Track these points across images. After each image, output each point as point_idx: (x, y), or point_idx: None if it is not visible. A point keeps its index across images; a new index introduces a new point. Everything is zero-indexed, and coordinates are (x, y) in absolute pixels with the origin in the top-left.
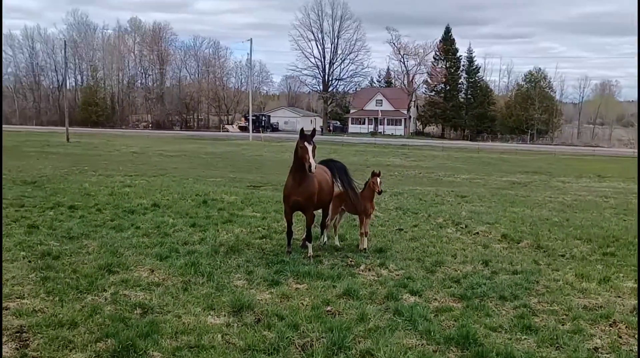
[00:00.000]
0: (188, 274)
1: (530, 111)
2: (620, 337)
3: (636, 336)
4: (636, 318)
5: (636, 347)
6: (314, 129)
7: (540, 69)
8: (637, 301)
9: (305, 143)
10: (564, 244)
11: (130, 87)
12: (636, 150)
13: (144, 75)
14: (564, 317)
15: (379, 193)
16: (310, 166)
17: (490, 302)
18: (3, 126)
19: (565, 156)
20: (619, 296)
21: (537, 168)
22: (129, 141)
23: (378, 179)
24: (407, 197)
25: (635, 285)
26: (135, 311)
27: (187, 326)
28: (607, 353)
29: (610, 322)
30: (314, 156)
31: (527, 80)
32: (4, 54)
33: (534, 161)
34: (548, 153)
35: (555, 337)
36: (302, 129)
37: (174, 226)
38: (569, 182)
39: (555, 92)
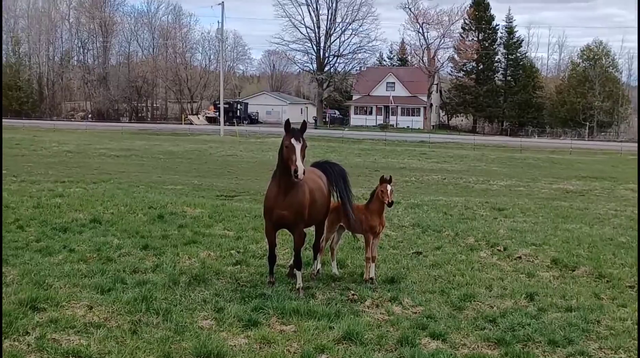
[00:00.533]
0: (138, 312)
1: (589, 98)
2: None
3: None
4: None
5: None
6: (305, 122)
7: (601, 42)
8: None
9: (292, 140)
10: (633, 272)
11: (63, 66)
12: None
13: (81, 50)
14: None
15: (390, 204)
16: (296, 171)
17: (537, 348)
18: None
19: (635, 156)
20: None
21: (598, 171)
22: (61, 136)
23: (389, 187)
24: (428, 210)
25: None
26: None
27: None
28: None
29: None
30: (302, 158)
31: (585, 57)
32: None
33: (593, 163)
34: (612, 151)
35: None
36: (287, 122)
37: (119, 248)
38: None
39: (621, 73)
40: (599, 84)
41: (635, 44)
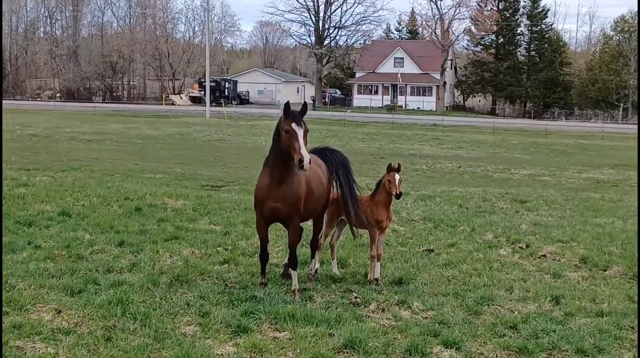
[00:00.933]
0: (112, 316)
1: (623, 75)
2: None
3: None
4: None
5: None
6: (305, 104)
7: (638, 13)
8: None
9: (294, 125)
10: None
11: (28, 38)
12: None
13: (48, 20)
14: None
15: (398, 196)
16: (301, 161)
17: None
18: None
19: None
20: None
21: (633, 159)
22: (26, 118)
23: (397, 177)
24: (440, 202)
25: None
26: None
27: None
28: None
29: None
30: (305, 145)
31: (619, 30)
32: None
33: (628, 149)
34: None
35: None
36: (287, 104)
37: (91, 245)
38: None
39: None
40: (634, 59)
41: None
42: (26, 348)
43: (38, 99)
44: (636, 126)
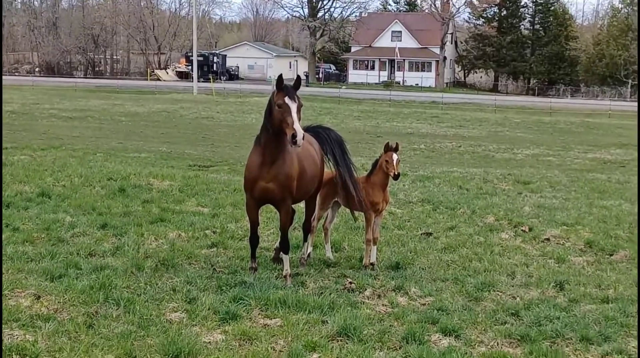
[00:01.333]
0: (94, 302)
1: (632, 50)
2: None
3: None
4: None
5: None
6: (299, 78)
7: None
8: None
9: (287, 99)
10: None
11: (5, 9)
12: None
13: None
14: None
15: (396, 177)
16: (294, 136)
17: (567, 346)
18: None
19: None
20: None
21: None
22: (3, 94)
23: (394, 156)
24: (440, 184)
25: None
26: None
27: None
28: None
29: None
30: (299, 120)
31: (628, 2)
32: None
33: (636, 128)
34: None
35: None
36: (280, 77)
37: (72, 227)
38: None
39: None
40: None
41: None
42: (3, 335)
43: (16, 73)
44: None
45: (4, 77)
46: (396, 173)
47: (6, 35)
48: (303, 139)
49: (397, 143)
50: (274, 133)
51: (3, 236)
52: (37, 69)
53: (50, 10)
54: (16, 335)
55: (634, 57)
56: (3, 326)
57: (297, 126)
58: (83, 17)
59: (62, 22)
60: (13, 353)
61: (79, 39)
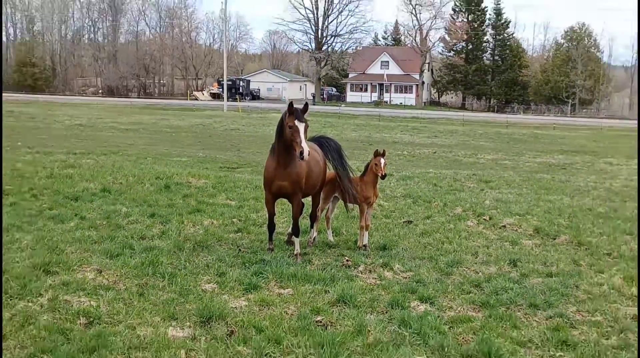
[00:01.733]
0: (145, 275)
1: (572, 76)
2: None
3: None
4: None
5: None
6: (307, 104)
7: (584, 24)
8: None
9: (296, 122)
10: (610, 240)
11: (75, 43)
12: None
13: (92, 29)
14: (609, 329)
15: (383, 176)
16: (302, 153)
17: (519, 311)
18: None
19: (614, 131)
20: None
21: (579, 146)
22: (73, 110)
23: (382, 160)
24: (418, 182)
25: None
26: (79, 322)
27: (142, 340)
28: None
29: None
30: (305, 138)
31: (568, 38)
32: None
33: (575, 138)
34: (593, 127)
35: (597, 354)
36: (291, 103)
37: (128, 216)
38: (619, 164)
39: (602, 53)
40: (581, 63)
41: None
42: (73, 301)
43: (83, 94)
44: (583, 119)
45: (74, 97)
46: (383, 174)
47: (76, 64)
48: (309, 154)
49: (384, 150)
50: (284, 146)
51: (72, 223)
52: (100, 91)
53: (110, 44)
54: (83, 301)
55: (573, 82)
56: (72, 294)
57: (304, 145)
58: (137, 50)
59: (120, 54)
60: (80, 316)
61: (133, 67)
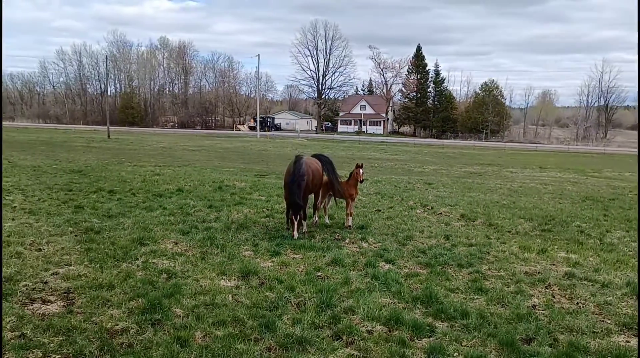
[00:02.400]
0: (205, 246)
1: (485, 114)
2: (554, 297)
3: (567, 297)
4: (566, 282)
5: (568, 305)
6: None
7: (494, 80)
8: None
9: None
10: (510, 222)
11: (160, 93)
12: (568, 146)
13: (171, 84)
14: (509, 280)
15: (362, 181)
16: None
17: (450, 269)
18: (60, 124)
19: (513, 151)
20: (554, 264)
21: (490, 160)
22: (158, 138)
23: (361, 171)
24: (385, 184)
25: (566, 255)
26: (162, 276)
27: (203, 288)
28: (542, 310)
29: (546, 285)
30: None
31: (483, 89)
32: (57, 66)
33: (487, 155)
34: (499, 148)
35: (501, 297)
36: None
37: (194, 207)
38: (516, 172)
39: (505, 99)
40: (491, 106)
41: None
42: (158, 263)
43: (165, 127)
44: (492, 143)
45: (159, 129)
46: (362, 179)
47: (160, 107)
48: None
49: (362, 163)
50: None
51: (157, 212)
52: (176, 125)
53: (183, 94)
54: (164, 263)
55: (486, 118)
56: (157, 258)
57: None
58: (200, 97)
59: (189, 100)
60: (163, 273)
61: (198, 109)
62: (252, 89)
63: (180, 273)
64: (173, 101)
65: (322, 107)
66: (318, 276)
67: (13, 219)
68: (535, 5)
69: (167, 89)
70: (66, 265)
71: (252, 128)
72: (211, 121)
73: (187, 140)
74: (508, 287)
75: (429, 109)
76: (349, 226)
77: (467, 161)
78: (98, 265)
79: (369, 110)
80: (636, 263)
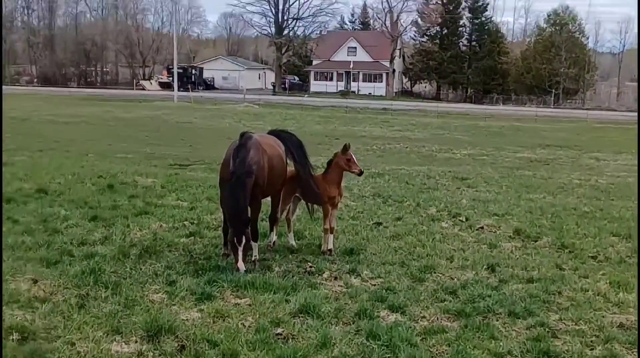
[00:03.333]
0: (85, 285)
1: (555, 64)
2: None
3: None
4: None
5: None
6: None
7: (568, 7)
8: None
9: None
10: (595, 242)
11: (7, 28)
12: None
13: (25, 11)
14: (594, 338)
15: (360, 173)
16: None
17: (497, 320)
18: None
19: (600, 124)
20: None
21: (563, 140)
22: (5, 102)
23: (352, 156)
24: (389, 180)
25: None
26: (11, 337)
27: (82, 357)
28: None
29: None
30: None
31: (551, 22)
32: None
33: (559, 131)
34: (578, 119)
35: None
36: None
37: (66, 219)
38: (605, 159)
39: (588, 39)
40: (565, 50)
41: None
42: (4, 315)
43: (17, 84)
44: (567, 111)
45: (6, 87)
46: (360, 171)
47: (8, 50)
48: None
49: (348, 143)
50: None
51: (4, 227)
52: (35, 80)
53: (46, 28)
54: (16, 315)
55: (556, 70)
56: (4, 307)
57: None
58: (76, 34)
59: (57, 39)
60: (13, 331)
61: (73, 53)
62: (166, 19)
63: (43, 332)
64: (30, 40)
65: (283, 51)
66: (277, 335)
67: None
68: None
69: (20, 19)
70: None
71: (165, 86)
72: (95, 74)
73: (55, 106)
74: (592, 350)
75: (462, 55)
76: (329, 250)
77: (525, 141)
78: None
79: (362, 56)
80: None
